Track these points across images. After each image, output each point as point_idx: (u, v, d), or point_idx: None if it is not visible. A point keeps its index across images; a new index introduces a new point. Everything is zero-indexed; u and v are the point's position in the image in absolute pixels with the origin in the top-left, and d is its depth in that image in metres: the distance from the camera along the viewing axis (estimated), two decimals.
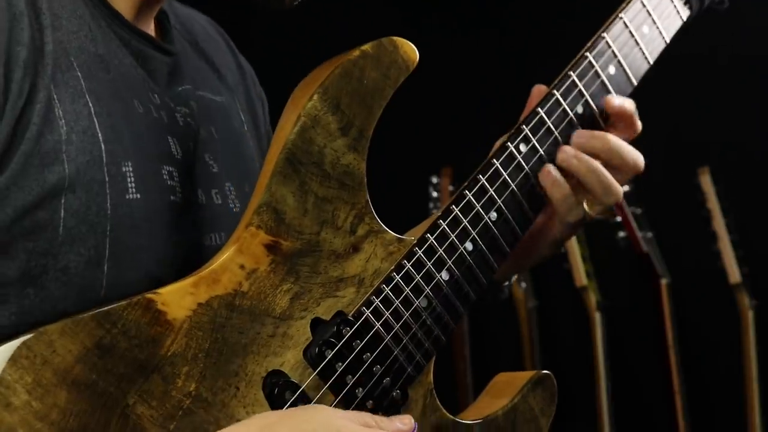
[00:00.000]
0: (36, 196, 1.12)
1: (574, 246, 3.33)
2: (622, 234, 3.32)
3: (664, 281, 3.23)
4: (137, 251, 1.18)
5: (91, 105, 1.18)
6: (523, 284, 3.37)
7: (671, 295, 3.21)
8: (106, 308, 1.12)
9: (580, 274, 3.31)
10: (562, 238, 1.44)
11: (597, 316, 3.25)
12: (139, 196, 1.19)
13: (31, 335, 1.09)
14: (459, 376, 3.32)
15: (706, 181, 3.27)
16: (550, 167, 1.37)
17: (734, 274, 3.21)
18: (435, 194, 3.50)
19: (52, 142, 1.13)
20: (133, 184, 1.19)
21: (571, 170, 1.38)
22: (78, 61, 1.19)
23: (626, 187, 3.33)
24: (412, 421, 1.21)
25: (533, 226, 1.42)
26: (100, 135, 1.17)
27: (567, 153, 1.37)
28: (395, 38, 1.26)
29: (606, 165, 1.39)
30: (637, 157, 1.40)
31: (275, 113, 1.32)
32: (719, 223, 3.25)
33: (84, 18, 1.23)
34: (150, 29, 1.35)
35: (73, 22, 1.21)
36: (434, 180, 3.50)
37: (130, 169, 1.19)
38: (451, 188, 3.48)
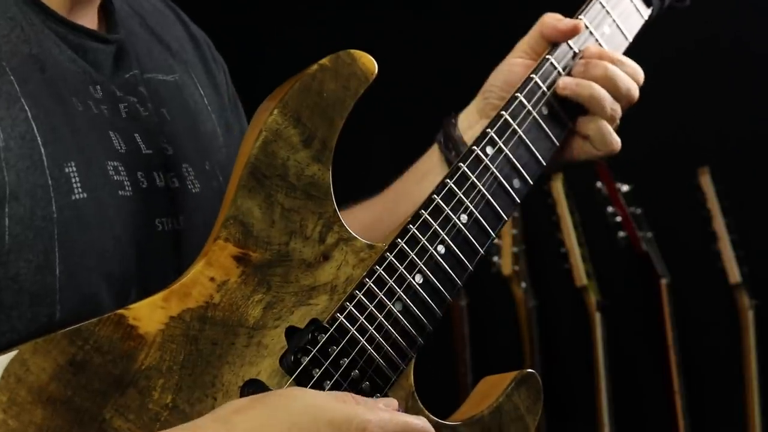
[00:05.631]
0: None
1: (574, 246, 3.33)
2: (622, 234, 3.32)
3: (664, 281, 3.23)
4: (89, 251, 1.18)
5: (27, 109, 1.17)
6: (523, 284, 3.37)
7: (671, 295, 3.21)
8: (76, 326, 1.13)
9: (580, 274, 3.31)
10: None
11: (597, 316, 3.24)
12: (85, 195, 1.19)
13: (3, 356, 1.09)
14: (459, 377, 3.33)
15: (706, 181, 3.27)
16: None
17: (734, 274, 3.20)
18: None
19: None
20: (79, 184, 1.18)
21: (575, 96, 1.42)
22: (10, 65, 1.18)
23: (626, 187, 3.34)
24: (396, 403, 1.20)
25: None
26: (39, 138, 1.17)
27: (567, 81, 1.43)
28: (352, 51, 1.28)
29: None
30: (630, 86, 1.45)
31: None
32: (719, 223, 3.25)
33: (15, 18, 1.22)
34: (92, 19, 1.33)
35: (3, 24, 1.21)
36: None
37: (74, 169, 1.18)
38: None
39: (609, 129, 1.45)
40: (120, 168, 1.24)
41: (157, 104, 1.36)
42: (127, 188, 1.24)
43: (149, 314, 1.16)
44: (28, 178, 1.15)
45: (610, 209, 3.32)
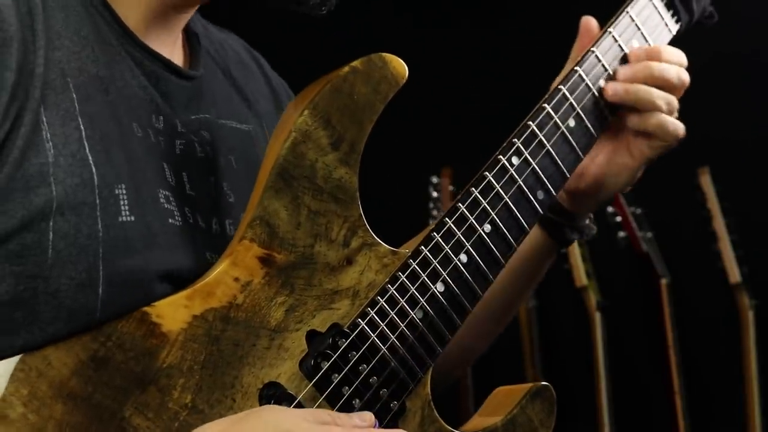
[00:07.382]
0: (21, 219, 1.12)
1: (574, 246, 3.33)
2: (622, 234, 3.32)
3: (664, 281, 3.23)
4: (134, 274, 1.18)
5: (82, 128, 1.18)
6: None
7: (671, 295, 3.22)
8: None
9: (580, 274, 3.31)
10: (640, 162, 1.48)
11: (597, 316, 3.25)
12: (133, 218, 1.19)
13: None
14: (460, 377, 3.33)
15: (706, 181, 3.28)
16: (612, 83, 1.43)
17: (734, 274, 3.21)
18: (435, 194, 3.49)
19: (37, 165, 1.13)
20: (127, 207, 1.18)
21: (624, 101, 1.43)
22: (75, 82, 1.19)
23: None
24: (372, 417, 1.19)
25: (598, 169, 1.47)
26: (90, 158, 1.17)
27: (616, 86, 1.43)
28: (384, 54, 1.27)
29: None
30: (680, 75, 1.46)
31: None
32: (719, 223, 3.25)
33: (88, 38, 1.23)
34: (173, 50, 1.34)
35: (76, 41, 1.21)
36: (434, 180, 3.51)
37: (123, 191, 1.19)
38: (451, 188, 3.48)
39: (669, 119, 1.46)
40: (171, 198, 1.25)
41: (227, 150, 1.36)
42: (177, 217, 1.24)
43: (172, 312, 1.16)
44: (76, 195, 1.15)
45: (610, 209, 3.32)
